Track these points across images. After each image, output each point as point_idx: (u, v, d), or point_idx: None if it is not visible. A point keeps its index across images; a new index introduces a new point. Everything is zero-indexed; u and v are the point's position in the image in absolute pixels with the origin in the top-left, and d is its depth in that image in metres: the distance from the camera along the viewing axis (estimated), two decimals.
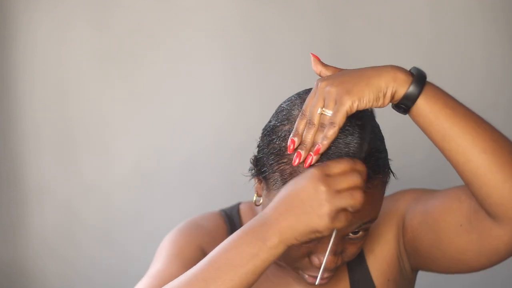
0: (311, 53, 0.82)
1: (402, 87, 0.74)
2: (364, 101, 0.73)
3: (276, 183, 0.79)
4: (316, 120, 0.73)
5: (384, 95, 0.75)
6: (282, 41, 1.86)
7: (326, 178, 0.67)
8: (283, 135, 0.79)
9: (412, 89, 0.75)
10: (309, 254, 0.80)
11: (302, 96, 0.83)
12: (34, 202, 1.84)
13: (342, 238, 0.78)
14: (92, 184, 1.85)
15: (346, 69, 0.79)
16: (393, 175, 0.85)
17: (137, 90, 1.84)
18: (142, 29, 1.82)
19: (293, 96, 0.85)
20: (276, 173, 0.79)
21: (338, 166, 0.69)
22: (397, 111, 0.78)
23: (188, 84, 1.85)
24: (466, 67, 1.91)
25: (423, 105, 0.75)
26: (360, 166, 0.70)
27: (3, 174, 1.82)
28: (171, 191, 1.87)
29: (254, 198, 0.88)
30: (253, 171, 0.87)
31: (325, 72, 0.80)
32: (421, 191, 0.97)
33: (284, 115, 0.82)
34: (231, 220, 0.98)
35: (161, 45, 1.83)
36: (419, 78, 0.75)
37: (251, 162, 0.88)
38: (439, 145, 0.76)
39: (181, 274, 0.72)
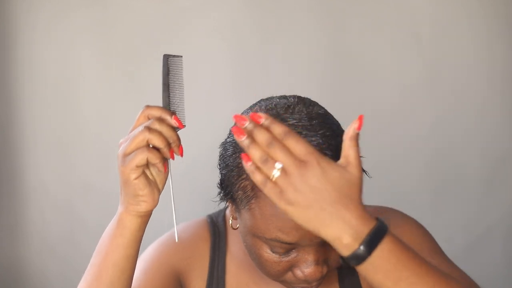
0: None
1: (346, 249, 0.67)
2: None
3: (242, 201, 0.77)
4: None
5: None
6: (283, 42, 1.86)
7: (120, 157, 0.77)
8: (238, 150, 0.77)
9: (355, 253, 0.66)
10: (291, 268, 0.78)
11: (252, 107, 0.82)
12: (34, 202, 1.84)
13: (322, 245, 0.76)
14: (92, 184, 1.85)
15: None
16: (366, 174, 0.77)
17: (137, 90, 1.84)
18: (142, 29, 1.82)
19: (245, 109, 0.84)
20: (240, 192, 0.77)
21: (128, 149, 0.76)
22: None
23: (189, 84, 1.85)
24: (466, 67, 1.91)
25: (367, 270, 0.68)
26: (154, 137, 0.74)
27: (3, 175, 1.82)
28: (170, 191, 1.87)
29: (230, 222, 0.87)
30: (221, 194, 0.85)
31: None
32: (428, 250, 0.88)
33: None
34: (216, 228, 0.96)
35: (161, 45, 1.83)
36: (368, 243, 0.66)
37: (217, 187, 0.85)
38: None
39: None
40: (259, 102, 0.82)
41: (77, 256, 1.87)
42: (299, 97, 0.81)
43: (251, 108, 0.82)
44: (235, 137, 0.68)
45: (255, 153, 0.67)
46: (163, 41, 1.83)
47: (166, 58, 0.78)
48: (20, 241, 1.85)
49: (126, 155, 0.75)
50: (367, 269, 0.66)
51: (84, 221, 1.85)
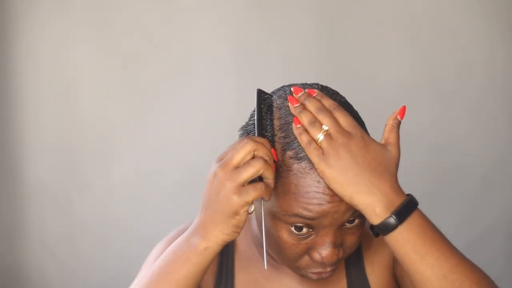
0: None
1: (377, 217, 0.71)
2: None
3: None
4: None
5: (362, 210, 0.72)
6: (284, 42, 1.86)
7: (227, 172, 0.69)
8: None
9: (385, 223, 0.70)
10: (308, 251, 0.79)
11: (275, 92, 0.81)
12: (34, 203, 1.84)
13: (339, 229, 0.76)
14: (92, 185, 1.85)
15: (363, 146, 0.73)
16: None
17: (138, 91, 1.84)
18: (143, 31, 1.82)
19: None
20: None
21: (236, 157, 0.69)
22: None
23: (189, 85, 1.85)
24: (466, 67, 1.92)
25: (395, 241, 0.71)
26: (260, 148, 0.70)
27: (3, 175, 1.82)
28: (171, 192, 1.87)
29: None
30: None
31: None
32: None
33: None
34: None
35: (162, 46, 1.83)
36: (399, 213, 0.70)
37: None
38: (406, 269, 0.73)
39: None
40: (282, 87, 0.82)
41: (76, 256, 1.87)
42: (322, 85, 0.82)
43: (274, 93, 0.82)
44: (290, 104, 0.75)
45: (305, 117, 0.73)
46: (163, 41, 1.83)
47: (260, 92, 0.79)
48: (19, 242, 1.85)
49: (241, 184, 0.69)
50: (396, 239, 0.70)
51: (84, 222, 1.85)
